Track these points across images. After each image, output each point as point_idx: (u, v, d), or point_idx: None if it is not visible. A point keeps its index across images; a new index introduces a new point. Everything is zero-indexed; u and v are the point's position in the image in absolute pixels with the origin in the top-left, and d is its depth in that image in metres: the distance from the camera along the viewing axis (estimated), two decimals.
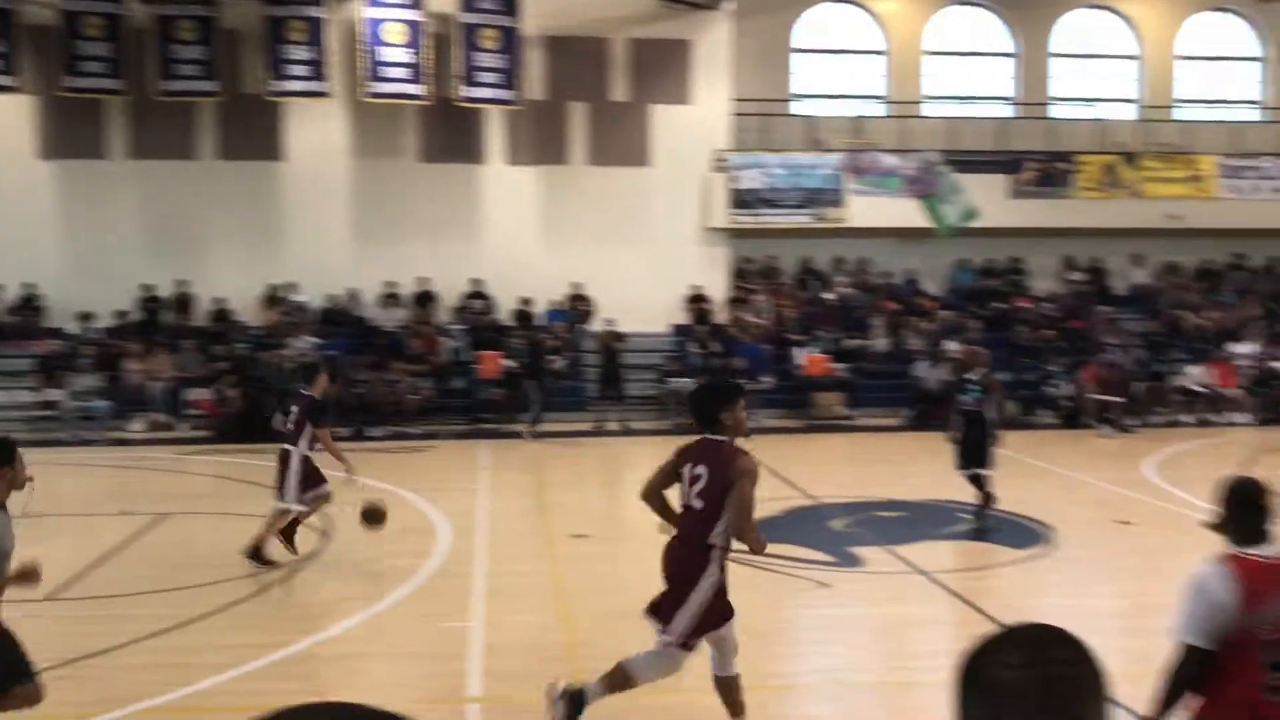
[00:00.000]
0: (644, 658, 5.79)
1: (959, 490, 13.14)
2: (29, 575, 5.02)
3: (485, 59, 20.21)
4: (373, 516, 9.53)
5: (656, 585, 8.82)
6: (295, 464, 9.60)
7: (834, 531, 11.16)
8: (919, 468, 15.27)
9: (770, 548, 10.25)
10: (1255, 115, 24.83)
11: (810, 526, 11.45)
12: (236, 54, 20.55)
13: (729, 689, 5.84)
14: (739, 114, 22.13)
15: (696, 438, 5.98)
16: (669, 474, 5.98)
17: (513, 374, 19.26)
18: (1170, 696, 3.81)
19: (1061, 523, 11.37)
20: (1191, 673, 3.76)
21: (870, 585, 9.17)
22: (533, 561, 9.97)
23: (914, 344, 21.07)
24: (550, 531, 11.26)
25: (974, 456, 10.93)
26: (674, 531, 5.96)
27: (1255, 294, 22.82)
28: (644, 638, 7.62)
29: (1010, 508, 12.13)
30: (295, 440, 9.62)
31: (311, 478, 9.72)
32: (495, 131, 21.54)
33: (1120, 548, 10.50)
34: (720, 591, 5.72)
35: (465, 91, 20.38)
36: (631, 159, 21.72)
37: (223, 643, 7.49)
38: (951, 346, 20.37)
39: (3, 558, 4.99)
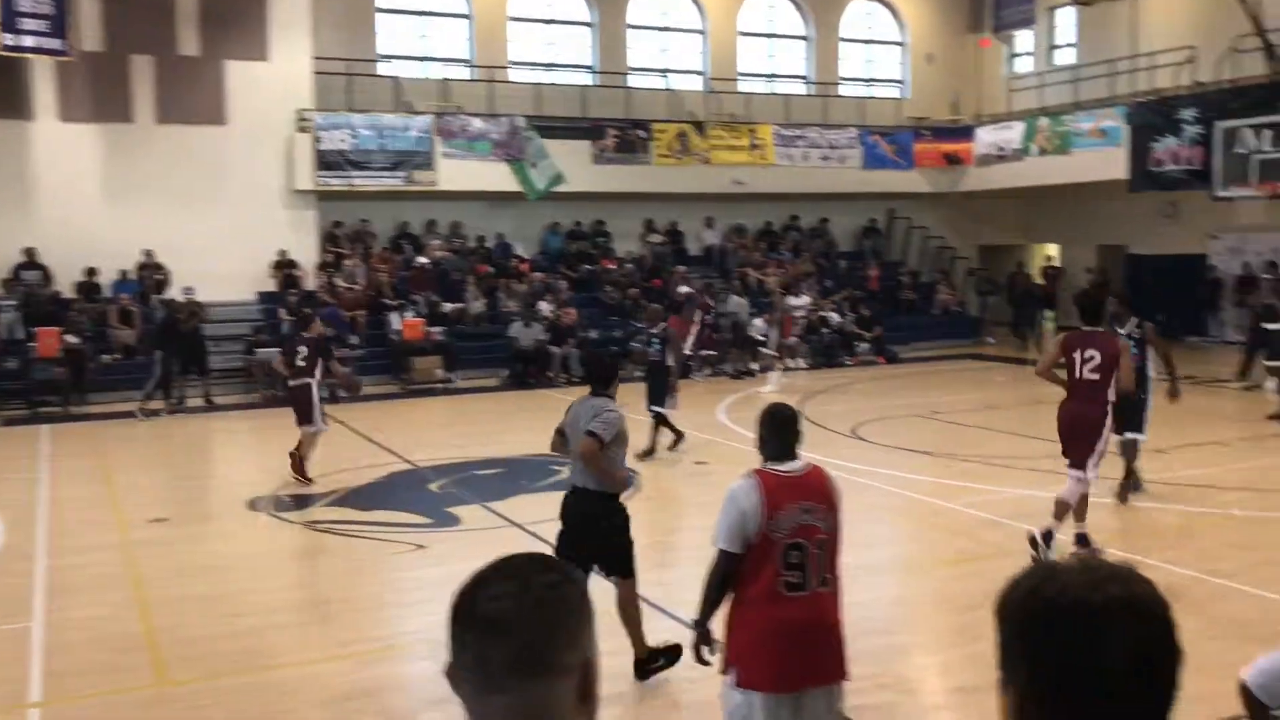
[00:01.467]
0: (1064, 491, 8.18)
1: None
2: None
3: (27, 4, 18.10)
4: None
5: (244, 563, 8.52)
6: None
7: (432, 493, 11.19)
8: (516, 425, 15.62)
9: (367, 514, 10.24)
10: (803, 89, 27.33)
11: (408, 491, 11.41)
12: None
13: None
14: (322, 73, 21.38)
15: (1083, 329, 8.28)
16: (1055, 359, 8.33)
17: (73, 351, 17.62)
18: (712, 597, 4.26)
19: (646, 467, 12.06)
20: (727, 575, 4.21)
21: (466, 542, 9.29)
22: (102, 551, 9.20)
23: (508, 306, 21.46)
24: (123, 518, 10.45)
25: (657, 398, 12.99)
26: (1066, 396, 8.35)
27: (808, 252, 25.30)
28: (225, 619, 7.33)
29: None
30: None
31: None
32: (45, 85, 19.45)
33: (698, 486, 11.30)
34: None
35: (5, 40, 18.19)
36: (205, 117, 20.40)
37: None
38: (544, 307, 20.96)
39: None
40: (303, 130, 20.88)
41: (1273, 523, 9.31)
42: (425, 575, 8.20)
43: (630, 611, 6.18)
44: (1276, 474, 11.40)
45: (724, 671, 4.27)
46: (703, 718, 5.60)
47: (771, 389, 17.65)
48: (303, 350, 11.99)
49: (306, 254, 21.24)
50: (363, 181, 21.27)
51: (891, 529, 9.76)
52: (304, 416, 11.83)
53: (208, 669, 6.50)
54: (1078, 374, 8.18)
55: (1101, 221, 25.69)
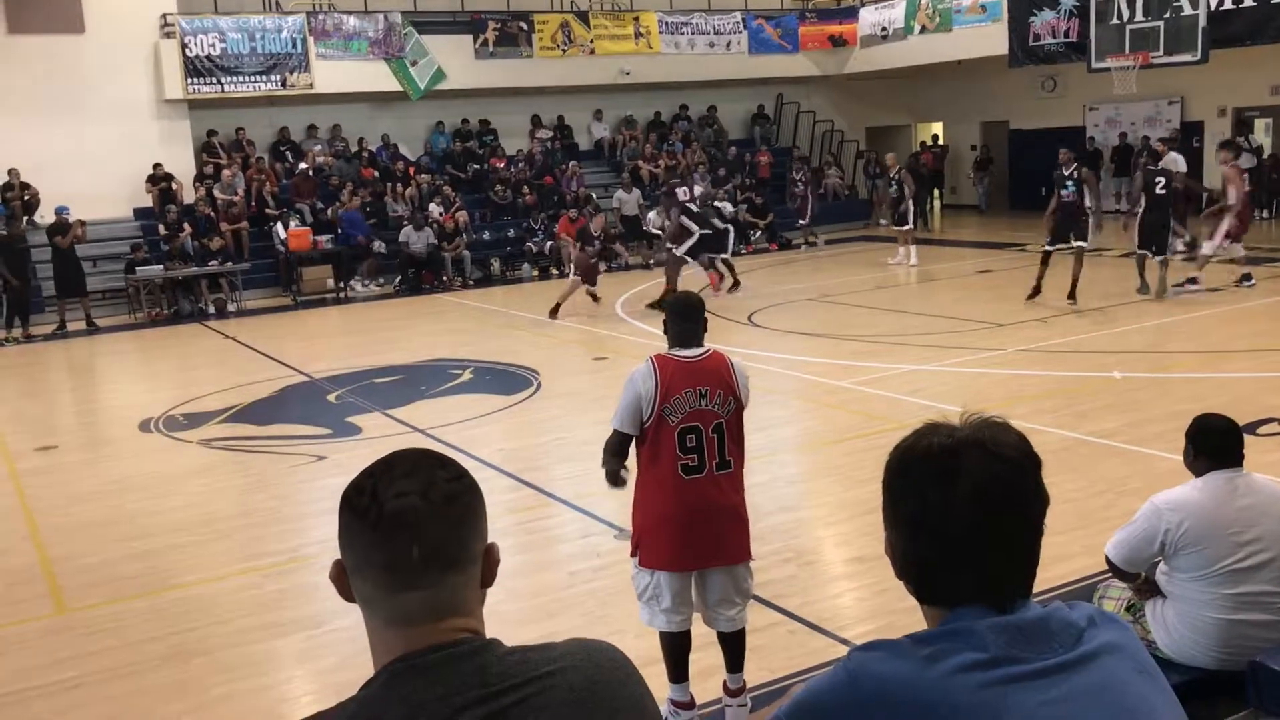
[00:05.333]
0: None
1: (451, 349, 13.59)
2: None
3: None
4: None
5: (139, 486, 8.40)
6: None
7: (330, 404, 11.06)
8: (412, 331, 15.47)
9: (264, 429, 10.10)
10: None
11: (305, 403, 11.26)
12: None
13: None
14: None
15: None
16: None
17: None
18: (609, 458, 4.43)
19: (547, 366, 12.08)
20: (619, 449, 4.40)
21: (367, 450, 9.21)
22: None
23: (397, 210, 21.03)
24: (8, 448, 10.13)
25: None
26: None
27: (697, 142, 25.18)
28: (124, 543, 7.22)
29: (500, 358, 12.70)
30: None
31: None
32: None
33: (596, 380, 11.36)
34: None
35: None
36: (62, 25, 19.29)
37: None
38: (434, 210, 20.58)
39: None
40: (168, 36, 19.93)
41: (1151, 384, 9.73)
42: (327, 485, 8.14)
43: None
44: (1154, 337, 11.88)
45: (633, 553, 4.40)
46: (617, 599, 5.72)
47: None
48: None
49: (182, 166, 20.45)
50: (235, 87, 20.46)
51: (788, 410, 9.96)
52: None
53: (109, 593, 6.41)
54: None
55: (984, 98, 26.04)
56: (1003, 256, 18.74)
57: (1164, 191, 13.73)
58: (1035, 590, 1.50)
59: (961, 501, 1.42)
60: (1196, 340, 11.71)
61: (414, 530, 1.40)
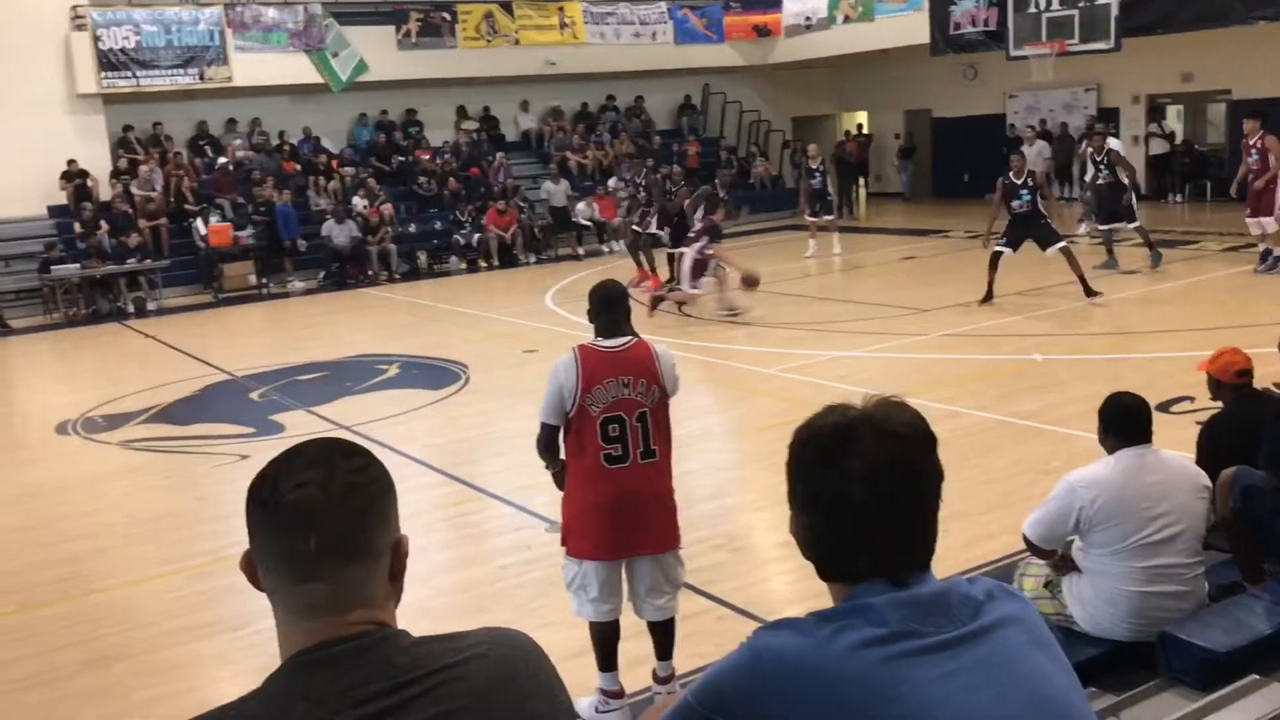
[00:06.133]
0: None
1: (378, 344, 13.47)
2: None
3: None
4: None
5: (57, 490, 8.24)
6: None
7: (254, 402, 10.88)
8: (338, 327, 15.29)
9: (186, 429, 9.91)
10: None
11: (228, 401, 11.07)
12: None
13: None
14: None
15: None
16: None
17: None
18: (547, 459, 4.42)
19: (474, 360, 12.00)
20: (549, 443, 4.36)
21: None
22: None
23: (320, 204, 20.74)
24: None
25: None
26: None
27: (626, 132, 25.16)
28: (42, 548, 7.04)
29: (428, 353, 12.59)
30: None
31: None
32: None
33: (525, 374, 11.30)
34: None
35: None
36: None
37: None
38: (359, 205, 20.33)
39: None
40: (79, 29, 19.42)
41: (1071, 365, 9.94)
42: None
43: None
44: (1074, 319, 12.13)
45: (562, 543, 4.40)
46: (548, 591, 5.71)
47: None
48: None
49: (98, 162, 19.95)
50: (151, 81, 20.01)
51: (715, 398, 10.01)
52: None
53: (25, 600, 6.26)
54: None
55: (907, 87, 26.34)
56: (926, 243, 18.99)
57: (1113, 175, 14.54)
58: (961, 570, 1.52)
59: (856, 479, 1.45)
60: (1114, 322, 11.98)
61: (312, 521, 1.38)
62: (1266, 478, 4.33)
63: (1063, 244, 12.85)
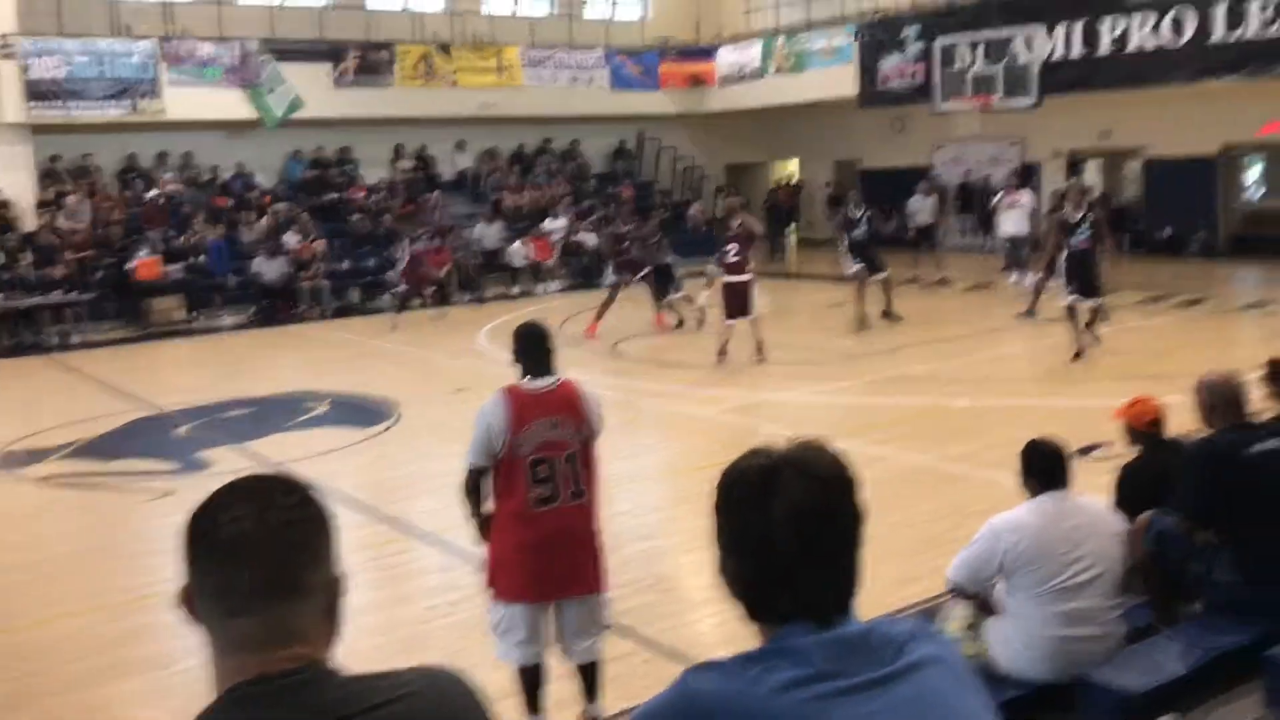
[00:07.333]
0: None
1: (307, 381, 13.33)
2: None
3: None
4: None
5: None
6: None
7: (179, 439, 10.70)
8: (265, 363, 15.13)
9: (108, 464, 9.71)
10: (548, 10, 27.00)
11: (152, 437, 10.86)
12: None
13: None
14: None
15: None
16: None
17: None
18: (472, 505, 4.40)
19: (405, 398, 11.93)
20: (476, 487, 4.34)
21: (216, 485, 8.95)
22: None
23: (250, 239, 20.52)
24: None
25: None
26: None
27: (561, 174, 25.31)
28: None
29: (359, 390, 12.49)
30: None
31: None
32: None
33: (458, 412, 11.25)
34: None
35: None
36: None
37: None
38: (291, 240, 20.15)
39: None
40: (6, 57, 19.09)
41: (994, 410, 10.16)
42: (174, 521, 7.70)
43: None
44: (996, 365, 12.41)
45: (488, 585, 4.39)
46: (475, 632, 5.69)
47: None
48: (733, 247, 12.63)
49: (22, 193, 19.55)
50: (82, 112, 19.70)
51: (649, 439, 10.06)
52: (743, 309, 12.64)
53: None
54: None
55: (837, 137, 26.84)
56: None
57: (1087, 232, 12.00)
58: (885, 612, 1.57)
59: (778, 521, 1.49)
60: (1038, 368, 12.28)
61: (245, 555, 1.39)
62: (1178, 522, 4.48)
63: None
